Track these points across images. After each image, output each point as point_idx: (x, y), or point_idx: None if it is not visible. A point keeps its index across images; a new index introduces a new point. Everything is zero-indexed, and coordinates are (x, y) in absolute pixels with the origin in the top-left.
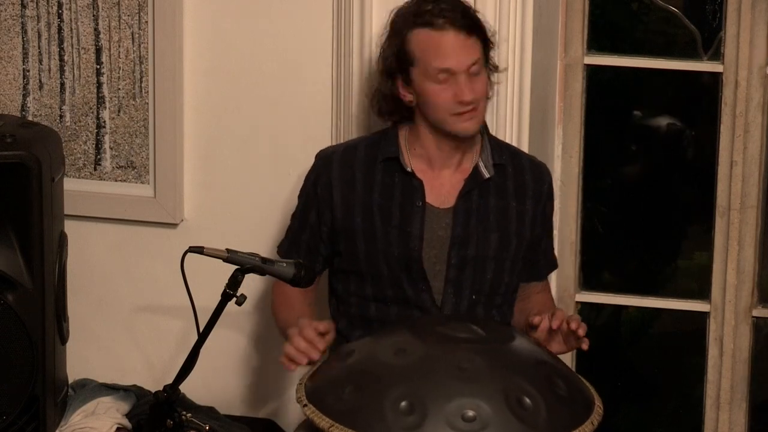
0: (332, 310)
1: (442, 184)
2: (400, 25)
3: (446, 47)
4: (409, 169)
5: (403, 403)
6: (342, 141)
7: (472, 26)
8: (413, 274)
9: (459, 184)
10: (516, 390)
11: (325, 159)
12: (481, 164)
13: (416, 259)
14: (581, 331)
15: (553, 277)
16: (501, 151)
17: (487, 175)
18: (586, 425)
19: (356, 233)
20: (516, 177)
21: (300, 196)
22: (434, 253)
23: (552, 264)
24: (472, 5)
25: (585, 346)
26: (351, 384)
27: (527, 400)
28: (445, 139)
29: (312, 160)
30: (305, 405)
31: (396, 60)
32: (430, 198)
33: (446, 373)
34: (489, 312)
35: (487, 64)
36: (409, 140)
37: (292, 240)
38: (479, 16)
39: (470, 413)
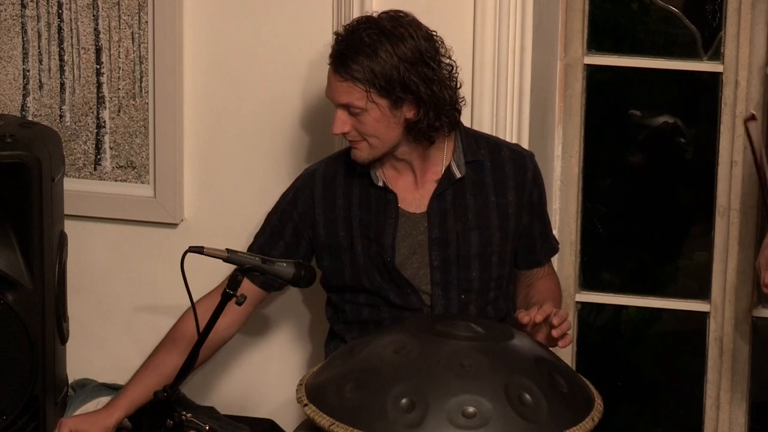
0: (328, 315)
1: (416, 190)
2: None
3: (329, 80)
4: (380, 184)
5: (404, 400)
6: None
7: (348, 73)
8: (395, 282)
9: (432, 187)
10: (517, 386)
11: (307, 176)
12: (453, 164)
13: (393, 269)
14: (555, 333)
15: None
16: (477, 147)
17: (458, 175)
18: (587, 422)
19: (340, 248)
20: (495, 171)
21: (272, 213)
22: (417, 258)
23: (551, 248)
24: (472, 8)
25: (562, 344)
26: (351, 382)
27: (528, 396)
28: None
29: (312, 161)
30: (306, 405)
31: None
32: (406, 204)
33: (447, 370)
34: (483, 309)
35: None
36: None
37: (260, 251)
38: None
39: (471, 409)
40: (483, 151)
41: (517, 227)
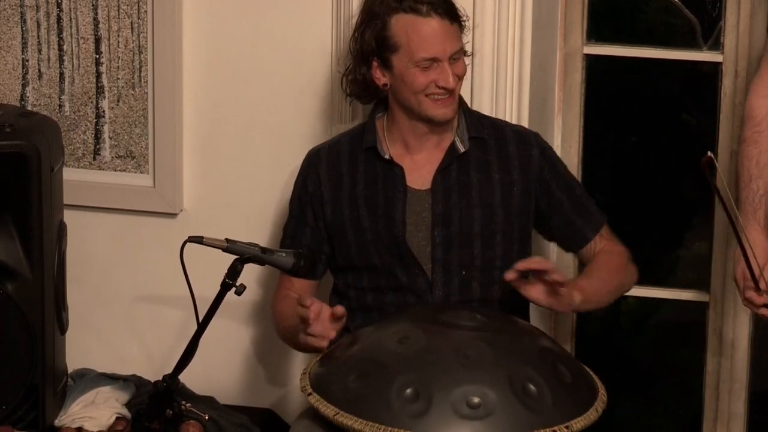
0: (332, 303)
1: (422, 166)
2: (380, 9)
3: (431, 35)
4: (387, 157)
5: (409, 390)
6: (340, 131)
7: (453, 13)
8: (404, 259)
9: (437, 163)
10: (521, 377)
11: (311, 158)
12: (457, 139)
13: (402, 244)
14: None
15: None
16: (481, 125)
17: (462, 150)
18: (591, 412)
19: (345, 226)
20: (499, 149)
21: (292, 203)
22: (421, 236)
23: (595, 222)
24: None
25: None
26: (356, 372)
27: (532, 387)
28: (420, 123)
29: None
30: (310, 393)
31: (375, 44)
32: (411, 182)
33: (451, 360)
34: (488, 289)
35: None
36: (386, 126)
37: (291, 247)
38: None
39: (475, 400)
40: (487, 129)
41: (524, 206)
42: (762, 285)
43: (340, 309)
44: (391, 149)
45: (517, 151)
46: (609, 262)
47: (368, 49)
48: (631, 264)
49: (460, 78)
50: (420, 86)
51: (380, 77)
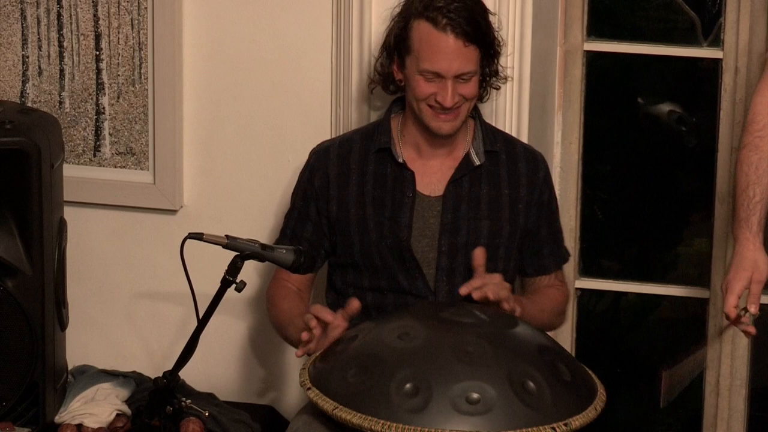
0: (329, 301)
1: (433, 173)
2: (409, 9)
3: (441, 50)
4: (400, 160)
5: (408, 385)
6: (341, 127)
7: (473, 35)
8: (406, 263)
9: (450, 172)
10: (520, 374)
11: (321, 153)
12: (472, 151)
13: (406, 249)
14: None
15: None
16: (494, 138)
17: (477, 162)
18: (590, 411)
19: (350, 225)
20: (509, 164)
21: (295, 195)
22: (426, 242)
23: (560, 256)
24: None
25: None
26: (355, 367)
27: (531, 384)
28: (425, 130)
29: (310, 147)
30: (309, 388)
31: (395, 42)
32: (422, 187)
33: (451, 356)
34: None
35: (486, 70)
36: (401, 128)
37: (292, 239)
38: (491, 19)
39: (475, 396)
40: (499, 143)
41: (525, 224)
42: (753, 310)
43: (356, 303)
44: (403, 152)
45: (527, 169)
46: (554, 301)
47: (390, 45)
48: (567, 310)
49: (466, 98)
50: (421, 94)
51: (397, 73)
